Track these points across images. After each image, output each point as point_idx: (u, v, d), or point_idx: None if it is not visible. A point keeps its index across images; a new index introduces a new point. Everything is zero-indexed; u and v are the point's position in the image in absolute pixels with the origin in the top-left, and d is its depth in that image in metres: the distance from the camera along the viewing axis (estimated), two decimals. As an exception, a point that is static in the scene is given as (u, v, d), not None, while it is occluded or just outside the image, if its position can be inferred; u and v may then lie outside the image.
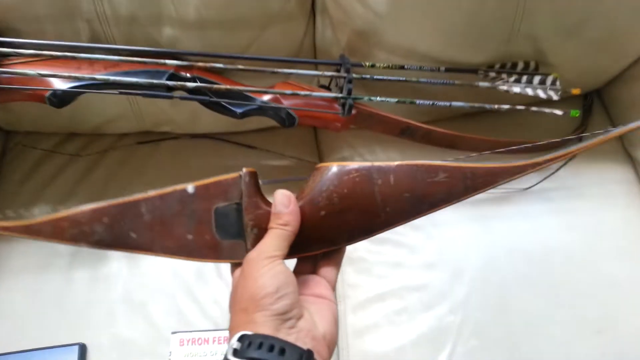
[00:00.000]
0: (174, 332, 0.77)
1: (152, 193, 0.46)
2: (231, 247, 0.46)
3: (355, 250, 0.87)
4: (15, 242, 0.85)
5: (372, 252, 0.86)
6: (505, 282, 0.82)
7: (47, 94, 0.70)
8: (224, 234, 0.46)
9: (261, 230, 0.45)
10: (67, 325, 0.78)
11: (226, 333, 0.76)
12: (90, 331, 0.78)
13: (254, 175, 0.46)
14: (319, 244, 0.47)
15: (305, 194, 0.46)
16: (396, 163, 0.45)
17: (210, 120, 0.92)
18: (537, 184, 0.90)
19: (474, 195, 0.46)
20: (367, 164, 0.45)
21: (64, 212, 0.44)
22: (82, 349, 0.76)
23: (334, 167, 0.45)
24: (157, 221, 0.45)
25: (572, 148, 0.49)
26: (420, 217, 0.46)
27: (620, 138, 0.96)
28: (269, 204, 0.45)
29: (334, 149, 0.97)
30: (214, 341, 0.76)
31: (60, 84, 0.70)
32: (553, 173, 0.92)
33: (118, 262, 0.84)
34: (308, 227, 0.45)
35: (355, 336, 0.81)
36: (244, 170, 0.45)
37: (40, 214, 0.86)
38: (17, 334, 0.77)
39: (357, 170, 0.45)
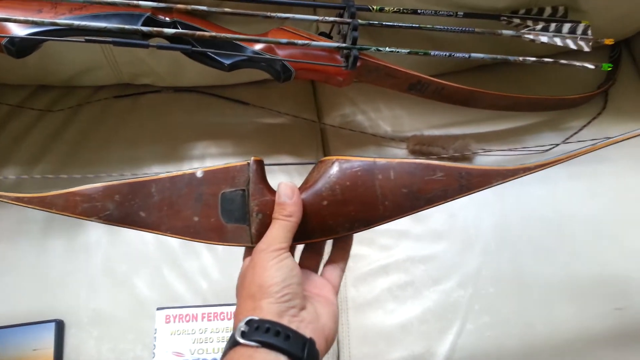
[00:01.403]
0: (159, 308, 0.71)
1: (162, 175, 0.48)
2: (235, 231, 0.47)
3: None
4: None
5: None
6: (519, 254, 0.75)
7: (3, 41, 0.60)
8: (229, 218, 0.47)
9: (265, 216, 0.46)
10: (42, 299, 0.72)
11: (216, 309, 0.70)
12: (67, 306, 0.71)
13: (260, 164, 0.48)
14: (321, 232, 0.48)
15: (309, 185, 0.48)
16: (397, 160, 0.48)
17: (196, 72, 0.82)
18: (557, 145, 0.82)
19: (468, 194, 0.48)
20: (370, 159, 0.47)
21: (77, 188, 0.47)
22: (59, 326, 0.69)
23: (338, 162, 0.47)
24: (166, 202, 0.48)
25: (563, 155, 0.52)
26: (416, 212, 0.47)
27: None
28: (273, 192, 0.47)
29: (334, 105, 0.87)
30: (202, 318, 0.70)
31: (18, 30, 0.60)
32: (576, 133, 0.84)
33: (96, 229, 0.76)
34: (311, 216, 0.47)
35: (356, 311, 0.75)
36: (252, 158, 0.48)
37: (14, 174, 0.79)
38: (-13, 309, 0.71)
39: (360, 165, 0.47)
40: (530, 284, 0.74)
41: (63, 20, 0.58)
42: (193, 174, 0.48)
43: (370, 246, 0.78)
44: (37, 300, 0.71)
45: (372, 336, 0.73)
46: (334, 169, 0.47)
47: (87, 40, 0.59)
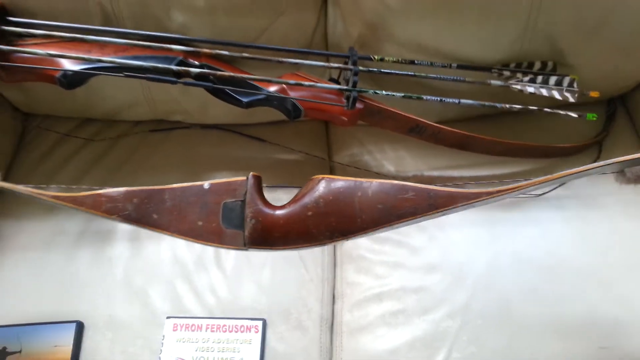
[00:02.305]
0: (168, 317, 0.77)
1: (175, 185, 0.57)
2: (232, 235, 0.55)
3: (356, 248, 0.86)
4: (23, 220, 0.87)
5: (374, 251, 0.85)
6: (508, 290, 0.79)
7: (57, 74, 0.72)
8: (228, 224, 0.55)
9: (257, 222, 0.54)
10: (67, 303, 0.79)
11: (220, 321, 0.77)
12: (87, 310, 0.79)
13: (258, 178, 0.57)
14: (304, 240, 0.55)
15: (297, 198, 0.56)
16: (376, 180, 0.55)
17: (221, 111, 0.92)
18: (550, 191, 0.87)
19: (438, 212, 0.54)
20: (352, 179, 0.55)
21: (103, 190, 0.57)
22: (79, 327, 0.77)
23: (324, 179, 0.56)
24: (176, 208, 0.56)
25: (525, 182, 0.57)
26: (389, 225, 0.55)
27: (640, 145, 0.92)
28: (268, 204, 0.55)
29: (344, 145, 0.96)
30: (207, 328, 0.76)
31: (70, 65, 0.72)
32: (568, 180, 0.88)
33: (121, 245, 0.85)
34: (296, 224, 0.54)
35: (349, 335, 0.79)
36: (251, 174, 0.56)
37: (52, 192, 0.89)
38: (19, 308, 0.79)
39: (343, 183, 0.55)
40: (517, 320, 0.77)
41: (108, 58, 0.69)
42: (201, 186, 0.57)
43: (367, 274, 0.83)
44: (62, 303, 0.79)
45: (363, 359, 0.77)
46: (321, 185, 0.55)
47: (126, 75, 0.70)
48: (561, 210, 0.86)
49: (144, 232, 0.84)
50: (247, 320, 0.77)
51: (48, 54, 0.68)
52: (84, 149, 0.94)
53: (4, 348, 0.75)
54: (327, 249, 0.87)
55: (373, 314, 0.80)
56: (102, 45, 0.74)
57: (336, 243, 0.56)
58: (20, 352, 0.75)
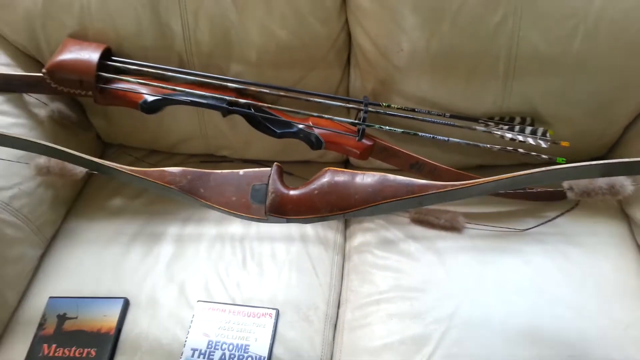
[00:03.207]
0: (199, 301, 0.93)
1: (218, 171, 0.77)
2: (257, 209, 0.74)
3: (362, 264, 1.01)
4: (94, 221, 1.08)
5: (378, 266, 0.99)
6: (490, 305, 0.90)
7: (140, 101, 0.96)
8: (254, 200, 0.74)
9: (276, 196, 0.73)
10: (118, 284, 0.97)
11: (241, 308, 0.91)
12: (134, 291, 0.95)
13: (280, 167, 0.75)
14: (310, 212, 0.73)
15: (308, 182, 0.75)
16: (369, 172, 0.72)
17: (260, 148, 1.14)
18: (533, 227, 1.01)
19: (415, 197, 0.69)
20: (351, 172, 0.72)
21: (167, 168, 0.76)
22: (126, 303, 0.93)
23: (330, 170, 0.74)
24: (218, 186, 0.76)
25: (479, 180, 0.70)
26: (376, 204, 0.70)
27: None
28: (285, 185, 0.73)
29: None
30: (229, 312, 0.91)
31: (150, 96, 0.96)
32: (550, 220, 1.02)
33: (168, 245, 1.03)
34: (305, 200, 0.72)
35: (350, 331, 0.92)
36: (275, 164, 0.75)
37: (119, 204, 1.09)
38: (80, 286, 0.97)
39: (344, 173, 0.73)
40: (496, 330, 0.87)
41: (181, 89, 0.93)
42: (237, 172, 0.77)
43: (370, 284, 0.97)
44: (113, 284, 0.97)
45: (359, 352, 0.89)
46: (327, 174, 0.73)
47: (191, 102, 0.92)
48: (542, 244, 0.99)
49: (188, 237, 1.04)
50: (262, 309, 0.91)
51: (138, 82, 0.92)
52: (147, 172, 1.16)
53: (65, 314, 0.92)
54: (336, 263, 1.02)
55: (371, 315, 0.92)
56: (176, 84, 0.98)
57: (334, 217, 0.71)
58: (77, 317, 0.92)
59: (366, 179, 0.72)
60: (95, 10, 0.94)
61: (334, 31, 0.99)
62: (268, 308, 0.91)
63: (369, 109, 0.93)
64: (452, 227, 1.02)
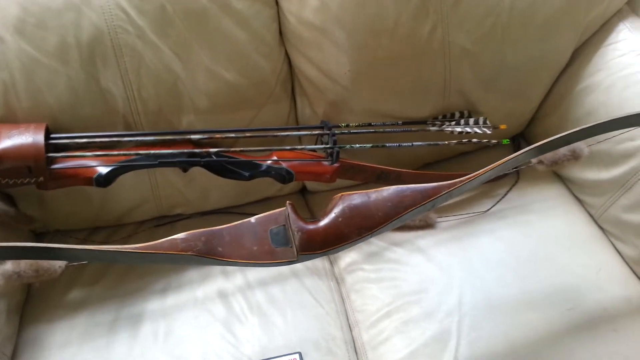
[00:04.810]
0: (215, 369, 0.86)
1: (229, 225, 0.72)
2: (283, 252, 0.71)
3: (357, 282, 1.02)
4: (55, 321, 0.94)
5: (372, 280, 1.01)
6: (485, 283, 0.97)
7: (95, 175, 0.87)
8: (277, 244, 0.71)
9: (303, 234, 0.71)
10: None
11: (261, 362, 0.86)
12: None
13: (293, 205, 0.73)
14: (340, 240, 0.72)
15: (327, 212, 0.74)
16: (380, 189, 0.73)
17: (218, 196, 1.09)
18: (492, 207, 1.11)
19: (430, 200, 0.73)
20: (364, 192, 0.73)
21: (177, 235, 0.69)
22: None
23: (342, 196, 0.73)
24: (234, 240, 0.71)
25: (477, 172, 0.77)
26: (400, 216, 0.72)
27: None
28: (305, 220, 0.72)
29: (322, 207, 1.13)
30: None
31: (103, 167, 0.88)
32: (503, 197, 1.13)
33: (155, 322, 0.94)
34: (331, 230, 0.71)
35: (373, 350, 0.92)
36: (288, 203, 0.72)
37: (80, 295, 0.97)
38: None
39: (357, 194, 0.73)
40: (498, 303, 0.94)
41: (142, 152, 0.86)
42: (249, 221, 0.73)
43: (373, 300, 0.98)
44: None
45: (389, 366, 0.90)
46: (341, 200, 0.73)
47: (160, 162, 0.86)
48: (505, 219, 1.09)
49: (172, 308, 0.96)
50: (285, 357, 0.88)
51: (95, 155, 0.83)
52: (99, 252, 1.05)
53: None
54: (333, 288, 1.02)
55: (387, 329, 0.94)
56: (128, 148, 0.91)
57: (364, 239, 0.72)
58: None
59: (381, 194, 0.74)
60: (22, 88, 0.84)
61: (277, 64, 0.99)
62: (289, 354, 0.88)
63: (335, 131, 0.95)
64: (426, 224, 1.08)
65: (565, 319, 0.92)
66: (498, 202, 1.12)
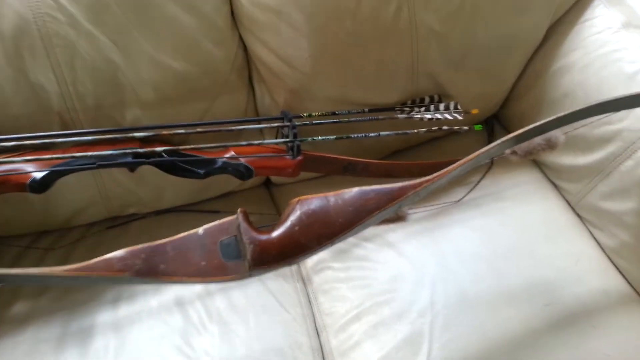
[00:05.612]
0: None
1: (173, 237, 0.63)
2: (235, 266, 0.63)
3: (325, 282, 0.96)
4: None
5: (341, 279, 0.95)
6: (459, 279, 0.92)
7: (28, 180, 0.78)
8: (228, 257, 0.63)
9: (256, 246, 0.63)
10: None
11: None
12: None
13: (246, 213, 0.65)
14: (297, 251, 0.65)
15: (283, 220, 0.66)
16: (341, 191, 0.66)
17: (173, 194, 1.01)
18: (465, 195, 1.05)
19: (395, 202, 0.66)
20: (323, 195, 0.66)
21: (112, 253, 0.61)
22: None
23: (300, 201, 0.66)
24: (179, 255, 0.63)
25: (447, 168, 0.71)
26: (363, 221, 0.65)
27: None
28: (258, 230, 0.65)
29: (288, 201, 1.07)
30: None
31: (37, 173, 0.79)
32: (476, 185, 1.07)
33: (106, 336, 0.86)
34: (288, 241, 0.64)
35: (341, 356, 0.87)
36: (239, 211, 0.64)
37: (23, 309, 0.90)
38: None
39: (316, 199, 0.66)
40: (474, 301, 0.89)
41: (78, 154, 0.78)
42: (196, 232, 0.65)
43: (342, 301, 0.92)
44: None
45: (360, 373, 0.85)
46: (298, 206, 0.66)
47: (98, 165, 0.78)
48: (478, 208, 1.04)
49: (125, 320, 0.89)
50: (247, 368, 0.82)
51: (25, 160, 0.75)
52: (45, 259, 0.96)
53: None
54: (300, 289, 0.96)
55: (357, 333, 0.88)
56: (65, 150, 0.82)
57: (325, 248, 0.66)
58: None
59: (342, 198, 0.67)
60: (-64, 86, 0.74)
61: (231, 50, 0.91)
62: (252, 364, 0.82)
63: (296, 123, 0.88)
64: (397, 217, 1.03)
65: (544, 315, 0.87)
66: (471, 190, 1.07)
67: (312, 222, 0.65)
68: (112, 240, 1.01)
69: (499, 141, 0.72)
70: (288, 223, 0.66)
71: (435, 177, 0.70)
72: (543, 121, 0.73)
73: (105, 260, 0.62)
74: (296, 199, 0.68)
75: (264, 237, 0.65)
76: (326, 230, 0.65)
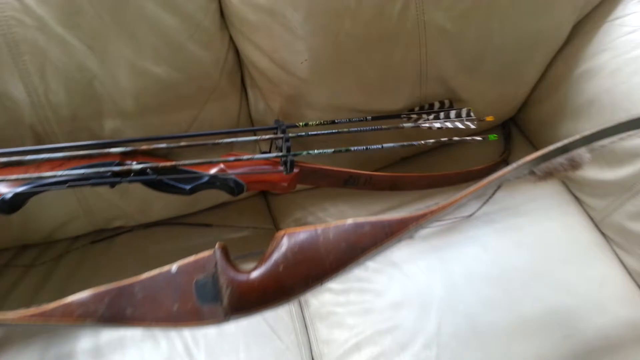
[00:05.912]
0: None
1: (143, 276, 0.56)
2: (210, 311, 0.55)
3: (323, 306, 0.88)
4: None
5: (340, 303, 0.88)
6: (469, 305, 0.84)
7: (-5, 201, 0.72)
8: (204, 300, 0.55)
9: (234, 289, 0.55)
10: None
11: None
12: None
13: (225, 248, 0.57)
14: (281, 295, 0.56)
15: (266, 256, 0.57)
16: (333, 224, 0.57)
17: (162, 206, 0.95)
18: (478, 209, 0.96)
19: (394, 238, 0.58)
20: (312, 227, 0.57)
21: (71, 296, 0.54)
22: None
23: (287, 234, 0.57)
24: (149, 297, 0.55)
25: (458, 195, 0.62)
26: (356, 260, 0.57)
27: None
28: (238, 269, 0.56)
29: (286, 212, 1.00)
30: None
31: (6, 191, 0.72)
32: (490, 197, 0.98)
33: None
34: (271, 282, 0.56)
35: (338, 390, 0.80)
36: (217, 245, 0.56)
37: (-2, 329, 0.84)
38: None
39: (304, 233, 0.58)
40: (485, 332, 0.82)
41: (49, 174, 0.71)
42: (169, 270, 0.57)
43: (340, 328, 0.85)
44: None
45: (357, 410, 0.77)
46: (285, 240, 0.58)
47: (68, 186, 0.71)
48: (492, 224, 0.95)
49: (107, 347, 0.83)
50: (234, 404, 0.75)
51: (-13, 180, 0.68)
52: (25, 277, 0.90)
53: None
54: (295, 314, 0.89)
55: (356, 364, 0.81)
56: (38, 165, 0.75)
57: (313, 290, 0.58)
58: None
59: (333, 231, 0.59)
60: None
61: (221, 53, 0.83)
62: (240, 400, 0.76)
63: (290, 134, 0.80)
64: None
65: (562, 349, 0.79)
66: (484, 203, 0.98)
67: (299, 260, 0.57)
68: (97, 255, 0.94)
69: (515, 165, 0.63)
70: (272, 261, 0.57)
71: (440, 208, 0.61)
72: (566, 141, 0.64)
73: (65, 305, 0.55)
74: (282, 232, 0.60)
75: (243, 278, 0.57)
76: (314, 271, 0.57)
